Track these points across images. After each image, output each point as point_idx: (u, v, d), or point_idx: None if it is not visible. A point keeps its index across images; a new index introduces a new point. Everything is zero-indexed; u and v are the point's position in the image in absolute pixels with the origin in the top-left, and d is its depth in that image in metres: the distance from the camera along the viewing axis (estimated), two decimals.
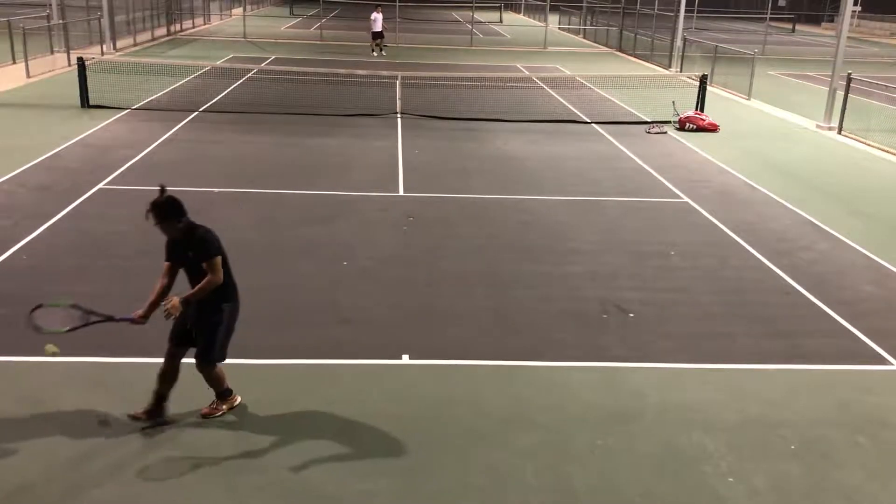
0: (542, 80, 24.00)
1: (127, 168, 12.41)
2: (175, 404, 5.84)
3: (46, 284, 8.00)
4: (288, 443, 5.59)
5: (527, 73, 25.92)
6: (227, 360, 6.66)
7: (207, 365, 5.71)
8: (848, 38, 18.99)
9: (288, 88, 20.49)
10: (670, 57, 29.04)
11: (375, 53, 29.37)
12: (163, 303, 5.52)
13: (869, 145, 16.51)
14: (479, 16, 47.39)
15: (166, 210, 5.73)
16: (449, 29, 44.85)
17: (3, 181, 11.43)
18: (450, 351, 7.02)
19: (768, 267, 9.30)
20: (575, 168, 13.67)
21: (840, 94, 17.77)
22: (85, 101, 16.95)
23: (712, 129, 17.30)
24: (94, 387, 6.21)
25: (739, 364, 6.97)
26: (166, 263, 5.80)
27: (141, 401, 5.99)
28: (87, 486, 5.04)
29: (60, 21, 24.81)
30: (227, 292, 5.74)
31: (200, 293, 5.53)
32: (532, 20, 54.08)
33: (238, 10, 46.48)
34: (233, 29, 37.87)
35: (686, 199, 12.01)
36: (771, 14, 43.32)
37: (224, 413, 5.87)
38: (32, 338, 6.87)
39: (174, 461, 5.33)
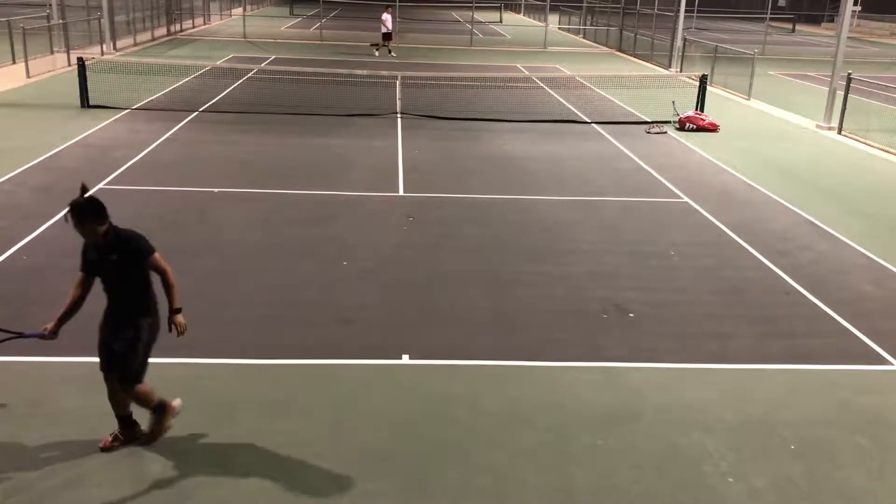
0: (542, 80, 24.00)
1: (127, 168, 12.41)
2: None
3: (46, 284, 8.00)
4: (288, 443, 5.59)
5: (527, 73, 25.92)
6: (228, 360, 6.70)
7: (129, 385, 5.28)
8: (848, 38, 18.99)
9: (288, 88, 20.49)
10: (670, 57, 29.04)
11: (380, 53, 29.33)
12: (172, 327, 5.31)
13: (869, 145, 16.51)
14: (479, 16, 47.40)
15: (88, 211, 5.19)
16: (449, 29, 44.85)
17: (3, 181, 11.43)
18: (450, 351, 7.02)
19: (768, 267, 9.30)
20: (575, 168, 13.67)
21: (840, 94, 17.77)
22: (85, 101, 16.95)
23: (712, 129, 17.30)
24: (94, 387, 6.19)
25: (739, 364, 6.97)
26: (81, 274, 5.29)
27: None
28: (86, 486, 5.04)
29: (60, 21, 24.81)
30: (146, 305, 5.27)
31: (173, 292, 5.26)
32: (532, 20, 54.09)
33: (238, 10, 46.48)
34: (233, 29, 37.88)
35: (686, 199, 12.01)
36: (771, 14, 43.33)
37: (169, 427, 5.48)
38: (31, 338, 6.88)
39: (175, 459, 5.33)
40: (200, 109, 17.29)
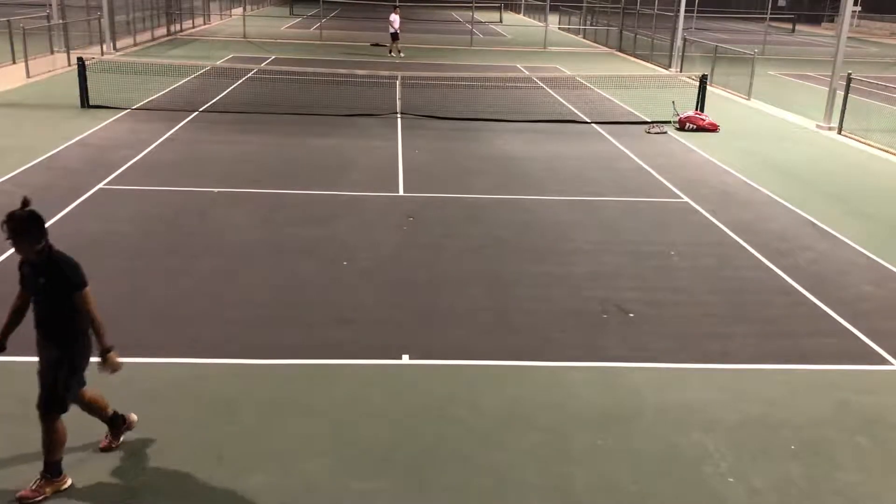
0: (542, 80, 24.00)
1: (127, 168, 12.41)
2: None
3: None
4: (288, 443, 5.59)
5: (527, 73, 25.92)
6: (230, 361, 6.70)
7: (46, 414, 4.87)
8: (848, 38, 18.98)
9: (288, 88, 20.49)
10: (670, 57, 29.04)
11: (394, 54, 29.33)
12: (103, 366, 4.95)
13: (869, 145, 16.51)
14: (479, 16, 47.39)
15: (24, 227, 4.69)
16: (449, 29, 44.86)
17: (3, 181, 11.43)
18: (450, 351, 7.02)
19: (768, 267, 9.30)
20: (575, 168, 13.67)
21: (840, 94, 17.77)
22: (85, 101, 16.95)
23: (712, 129, 17.30)
24: (94, 386, 6.19)
25: (739, 364, 6.97)
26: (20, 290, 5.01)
27: (141, 400, 6.00)
28: (86, 486, 5.04)
29: (60, 21, 24.81)
30: (73, 329, 4.92)
31: (101, 332, 4.91)
32: (532, 20, 54.08)
33: (238, 10, 46.47)
34: (233, 29, 37.87)
35: (686, 199, 12.01)
36: (771, 14, 43.33)
37: (47, 496, 4.89)
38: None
39: (175, 459, 5.33)
40: (200, 109, 17.29)
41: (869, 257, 9.75)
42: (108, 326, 6.63)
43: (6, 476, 5.11)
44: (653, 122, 17.62)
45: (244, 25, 35.40)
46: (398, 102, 17.93)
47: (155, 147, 13.85)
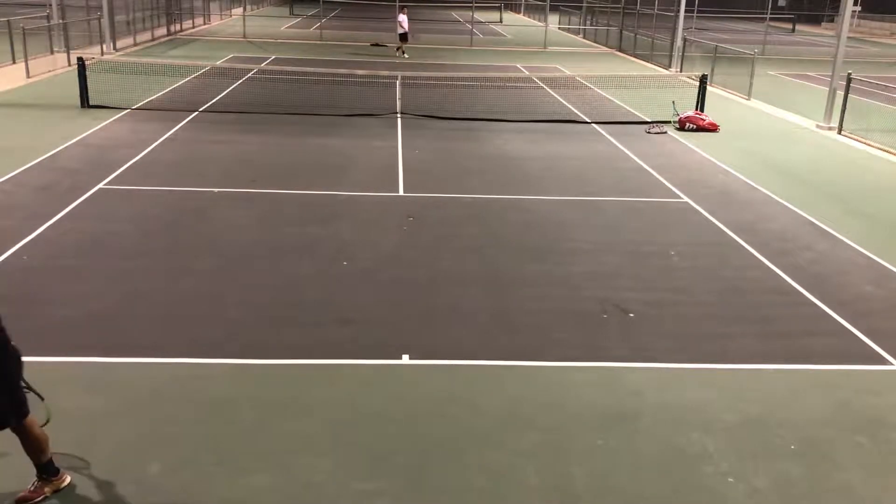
0: (542, 80, 24.00)
1: (127, 168, 12.41)
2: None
3: (46, 284, 8.01)
4: (288, 443, 5.59)
5: (527, 73, 25.92)
6: (229, 361, 6.70)
7: (14, 427, 4.72)
8: (848, 38, 18.98)
9: (288, 88, 20.49)
10: (670, 57, 29.04)
11: (399, 54, 29.33)
12: None
13: (869, 145, 16.51)
14: (479, 16, 47.39)
15: None
16: (449, 29, 44.86)
17: (3, 181, 11.43)
18: (450, 351, 7.02)
19: (768, 267, 9.30)
20: (575, 168, 13.67)
21: (840, 94, 17.76)
22: (85, 101, 16.95)
23: (712, 129, 17.30)
24: (94, 387, 6.21)
25: (739, 364, 6.97)
26: None
27: (140, 400, 6.01)
28: (86, 486, 5.04)
29: (60, 21, 24.81)
30: None
31: None
32: (532, 20, 54.09)
33: (238, 10, 46.46)
34: (233, 29, 37.88)
35: (686, 199, 12.01)
36: (771, 14, 43.32)
37: (47, 496, 4.82)
38: (32, 338, 6.88)
39: (175, 459, 5.33)
40: (200, 109, 17.29)
41: (869, 257, 9.75)
42: (109, 326, 6.66)
43: (6, 476, 5.10)
44: (653, 122, 17.62)
45: (244, 25, 35.40)
46: (398, 102, 17.93)
47: (155, 147, 13.85)
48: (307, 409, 6.02)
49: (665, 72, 27.80)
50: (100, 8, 26.03)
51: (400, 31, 29.19)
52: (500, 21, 52.24)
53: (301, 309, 7.73)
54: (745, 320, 7.83)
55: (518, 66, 28.19)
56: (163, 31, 33.00)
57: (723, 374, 6.80)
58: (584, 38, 42.68)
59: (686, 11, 30.40)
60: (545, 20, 39.48)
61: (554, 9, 44.60)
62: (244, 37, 33.79)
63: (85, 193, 11.00)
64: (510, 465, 5.44)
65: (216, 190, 11.49)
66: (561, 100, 20.80)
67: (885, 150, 16.04)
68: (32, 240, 9.18)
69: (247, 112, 17.20)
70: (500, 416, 6.03)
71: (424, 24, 46.92)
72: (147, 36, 30.66)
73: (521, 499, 5.12)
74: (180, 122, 15.94)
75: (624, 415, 6.10)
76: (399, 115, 17.44)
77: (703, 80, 18.65)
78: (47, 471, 4.92)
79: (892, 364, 7.09)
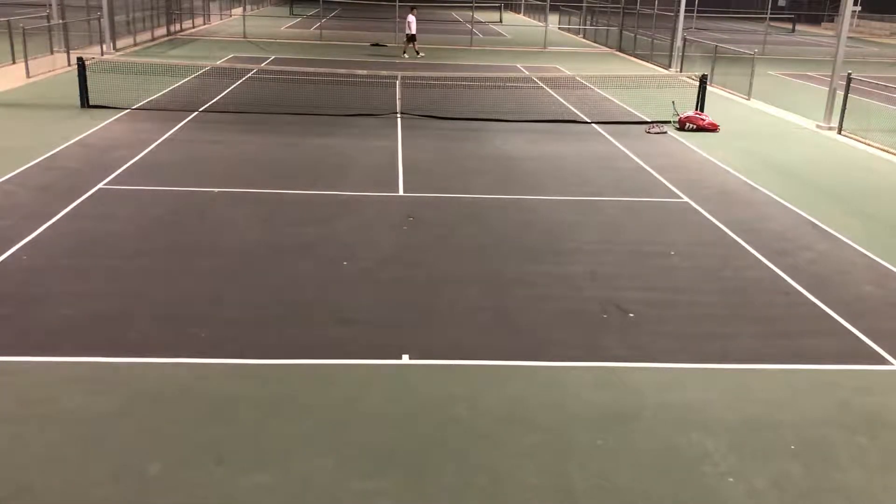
0: (542, 80, 24.00)
1: (127, 168, 12.41)
2: None
3: (46, 284, 8.01)
4: (287, 443, 5.59)
5: (527, 73, 25.92)
6: (228, 360, 6.70)
7: None
8: (848, 38, 18.98)
9: (288, 88, 20.49)
10: (670, 57, 29.03)
11: (407, 55, 29.33)
12: None
13: (869, 145, 16.51)
14: (479, 16, 47.40)
15: None
16: (449, 29, 44.86)
17: (3, 181, 11.43)
18: (450, 351, 7.02)
19: (768, 267, 9.30)
20: (575, 168, 13.67)
21: (840, 94, 17.76)
22: (85, 101, 16.95)
23: (712, 129, 17.30)
24: (95, 387, 6.21)
25: (739, 364, 6.97)
26: None
27: (141, 400, 6.01)
28: (86, 486, 5.05)
29: (60, 21, 24.80)
30: None
31: None
32: (532, 20, 54.09)
33: (238, 10, 46.46)
34: (233, 29, 37.88)
35: (686, 199, 12.01)
36: (771, 14, 43.32)
37: None
38: (32, 338, 6.89)
39: (175, 459, 5.33)
40: (200, 109, 17.29)
41: (869, 257, 9.75)
42: (108, 326, 6.67)
43: (6, 476, 5.11)
44: (653, 122, 17.62)
45: (244, 25, 35.39)
46: (398, 102, 17.93)
47: (155, 147, 13.85)
48: (307, 409, 6.02)
49: (665, 72, 27.81)
50: (100, 8, 26.03)
51: (409, 31, 29.15)
52: (500, 21, 52.23)
53: (301, 309, 7.73)
54: (745, 320, 7.83)
55: (518, 66, 28.19)
56: (163, 31, 33.00)
57: (723, 374, 6.80)
58: (584, 38, 42.68)
59: (686, 11, 30.40)
60: (545, 20, 39.47)
61: (554, 9, 44.59)
62: (244, 37, 33.79)
63: (85, 193, 11.00)
64: (510, 465, 5.44)
65: (216, 190, 11.49)
66: (561, 100, 20.80)
67: (885, 150, 16.04)
68: (32, 240, 9.18)
69: (247, 112, 17.20)
70: (500, 416, 6.03)
71: (424, 24, 46.85)
72: (147, 36, 30.66)
73: (520, 499, 5.12)
74: (180, 122, 15.94)
75: (624, 415, 6.10)
76: (399, 115, 17.44)
77: (703, 80, 18.65)
78: None
79: (892, 364, 7.09)
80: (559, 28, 46.84)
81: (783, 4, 60.96)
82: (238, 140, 14.67)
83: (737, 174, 13.61)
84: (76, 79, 17.01)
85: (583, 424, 5.96)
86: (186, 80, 21.13)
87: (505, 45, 36.27)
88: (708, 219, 11.06)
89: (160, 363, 6.60)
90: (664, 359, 7.00)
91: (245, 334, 7.17)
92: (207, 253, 9.08)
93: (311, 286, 8.28)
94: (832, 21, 56.06)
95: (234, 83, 21.01)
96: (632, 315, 7.86)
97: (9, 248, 8.88)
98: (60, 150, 13.29)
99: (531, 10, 58.71)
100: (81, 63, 16.96)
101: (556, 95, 21.49)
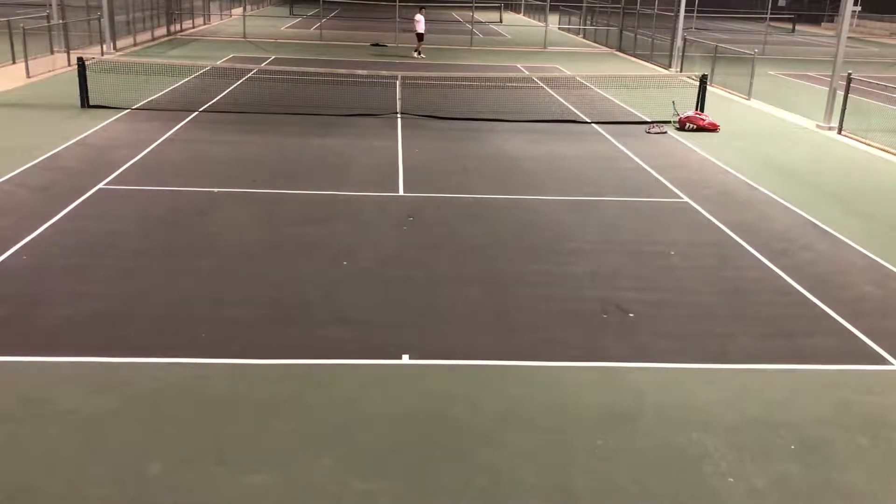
0: (542, 80, 24.00)
1: (127, 168, 12.41)
2: None
3: (46, 284, 8.00)
4: (287, 443, 5.59)
5: (527, 73, 25.92)
6: (228, 360, 6.70)
7: None
8: (848, 38, 18.98)
9: (288, 88, 20.50)
10: (670, 57, 29.04)
11: (416, 55, 29.31)
12: None
13: (869, 145, 16.51)
14: (479, 16, 47.39)
15: None
16: (449, 29, 44.85)
17: (3, 181, 11.43)
18: (450, 351, 7.02)
19: (768, 267, 9.30)
20: (575, 168, 13.67)
21: (840, 94, 17.76)
22: (85, 101, 16.95)
23: (712, 129, 17.30)
24: (95, 387, 6.21)
25: (739, 364, 6.97)
26: None
27: (141, 400, 6.01)
28: (86, 486, 5.05)
29: (60, 21, 24.80)
30: None
31: None
32: (532, 20, 54.09)
33: (238, 10, 46.46)
34: (233, 29, 37.88)
35: (686, 199, 12.01)
36: (771, 14, 43.32)
37: None
38: (32, 338, 6.89)
39: (175, 459, 5.33)
40: (200, 109, 17.29)
41: (869, 257, 9.75)
42: (109, 326, 6.67)
43: (6, 476, 5.11)
44: (653, 122, 17.62)
45: (244, 25, 35.39)
46: (398, 102, 17.93)
47: (155, 147, 13.85)
48: (307, 409, 6.02)
49: (665, 72, 27.81)
50: (100, 8, 26.03)
51: (418, 31, 29.12)
52: (500, 21, 52.23)
53: (301, 309, 7.73)
54: (745, 320, 7.83)
55: (518, 66, 28.18)
56: (163, 31, 33.00)
57: (723, 374, 6.80)
58: (584, 38, 42.68)
59: (686, 11, 30.40)
60: (545, 20, 39.47)
61: (554, 9, 44.59)
62: (244, 37, 33.79)
63: (85, 193, 11.00)
64: (510, 465, 5.44)
65: (216, 190, 11.49)
66: (561, 100, 20.80)
67: (885, 150, 16.04)
68: (32, 240, 9.18)
69: (247, 112, 17.20)
70: (501, 416, 6.03)
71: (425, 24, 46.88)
72: (147, 36, 30.66)
73: (521, 499, 5.12)
74: (180, 122, 15.94)
75: (624, 415, 6.10)
76: (399, 115, 17.45)
77: (703, 80, 18.65)
78: None
79: (892, 364, 7.09)
80: (559, 28, 46.84)
81: (783, 4, 60.97)
82: (238, 140, 14.67)
83: (737, 174, 13.61)
84: (76, 79, 17.01)
85: (583, 424, 5.96)
86: (186, 80, 21.13)
87: (505, 45, 36.27)
88: (708, 219, 11.06)
89: (160, 363, 6.60)
90: (664, 359, 7.00)
91: (245, 334, 7.17)
92: (207, 253, 9.08)
93: (311, 286, 8.28)
94: (832, 21, 56.07)
95: (234, 83, 21.01)
96: (632, 315, 7.86)
97: (9, 248, 8.88)
98: (60, 150, 13.29)
99: (531, 10, 58.71)
100: (81, 63, 16.97)
101: (556, 95, 21.49)
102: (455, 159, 14.00)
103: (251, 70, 23.45)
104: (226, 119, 16.48)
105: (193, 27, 37.41)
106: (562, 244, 9.85)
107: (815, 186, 13.09)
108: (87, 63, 17.17)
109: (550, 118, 18.07)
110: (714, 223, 10.87)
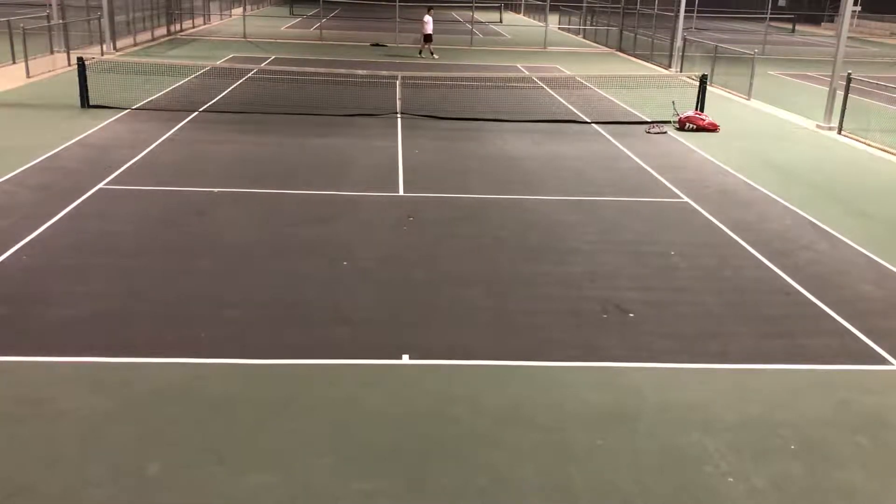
0: (542, 80, 24.00)
1: (127, 168, 12.41)
2: None
3: (46, 284, 8.00)
4: (288, 443, 5.59)
5: (527, 73, 25.92)
6: (228, 360, 6.70)
7: None
8: (848, 38, 18.98)
9: (288, 88, 20.49)
10: (670, 57, 29.04)
11: (423, 55, 29.31)
12: None
13: (869, 145, 16.51)
14: (479, 16, 47.39)
15: None
16: (449, 29, 44.84)
17: (3, 181, 11.43)
18: (450, 351, 7.02)
19: (768, 267, 9.30)
20: (575, 168, 13.67)
21: (840, 94, 17.76)
22: (85, 101, 16.95)
23: (712, 129, 17.30)
24: (94, 387, 6.21)
25: (739, 364, 6.97)
26: None
27: (141, 400, 6.01)
28: (87, 486, 5.05)
29: (60, 21, 24.80)
30: None
31: None
32: (532, 20, 54.08)
33: (238, 10, 46.46)
34: (233, 29, 37.87)
35: (686, 199, 12.01)
36: (771, 14, 43.31)
37: None
38: (32, 338, 6.89)
39: (175, 459, 5.33)
40: (200, 109, 17.29)
41: (869, 257, 9.75)
42: (109, 326, 6.67)
43: (6, 476, 5.11)
44: (653, 122, 17.62)
45: (244, 25, 35.39)
46: (398, 102, 17.93)
47: (155, 147, 13.85)
48: (307, 409, 6.02)
49: (665, 72, 27.81)
50: (100, 8, 26.03)
51: (426, 31, 29.14)
52: (500, 21, 52.23)
53: (301, 309, 7.73)
54: (745, 320, 7.83)
55: (518, 66, 28.18)
56: (163, 31, 32.99)
57: (723, 374, 6.80)
58: (584, 38, 42.67)
59: (686, 11, 30.40)
60: (545, 20, 39.47)
61: (554, 9, 44.59)
62: (244, 37, 33.79)
63: (85, 193, 11.00)
64: (510, 464, 5.44)
65: (216, 190, 11.49)
66: (561, 100, 20.80)
67: (885, 150, 16.04)
68: (32, 240, 9.18)
69: (247, 112, 17.20)
70: (500, 416, 6.03)
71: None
72: (147, 36, 30.66)
73: (520, 499, 5.12)
74: (180, 122, 15.94)
75: (624, 415, 6.10)
76: (399, 115, 17.44)
77: (703, 80, 18.65)
78: None
79: (892, 364, 7.09)
80: (559, 28, 46.84)
81: (783, 4, 60.95)
82: (238, 140, 14.67)
83: (737, 174, 13.61)
84: (76, 79, 17.01)
85: (583, 424, 5.96)
86: (186, 80, 21.13)
87: (505, 45, 36.26)
88: (708, 219, 11.06)
89: (160, 363, 6.60)
90: (664, 359, 7.00)
91: (245, 334, 7.17)
92: (207, 253, 9.08)
93: (310, 286, 8.28)
94: (832, 21, 56.05)
95: (234, 83, 21.01)
96: (632, 315, 7.86)
97: (9, 248, 8.88)
98: (60, 150, 13.29)
99: (531, 10, 58.71)
100: (81, 63, 16.97)
101: (556, 95, 21.49)
102: (455, 159, 14.00)
103: (251, 70, 23.45)
104: (226, 119, 16.48)
105: (193, 27, 37.41)
106: (562, 244, 9.85)
107: (814, 186, 13.09)
108: (87, 63, 17.16)
109: (550, 118, 18.07)
110: (714, 223, 10.87)
